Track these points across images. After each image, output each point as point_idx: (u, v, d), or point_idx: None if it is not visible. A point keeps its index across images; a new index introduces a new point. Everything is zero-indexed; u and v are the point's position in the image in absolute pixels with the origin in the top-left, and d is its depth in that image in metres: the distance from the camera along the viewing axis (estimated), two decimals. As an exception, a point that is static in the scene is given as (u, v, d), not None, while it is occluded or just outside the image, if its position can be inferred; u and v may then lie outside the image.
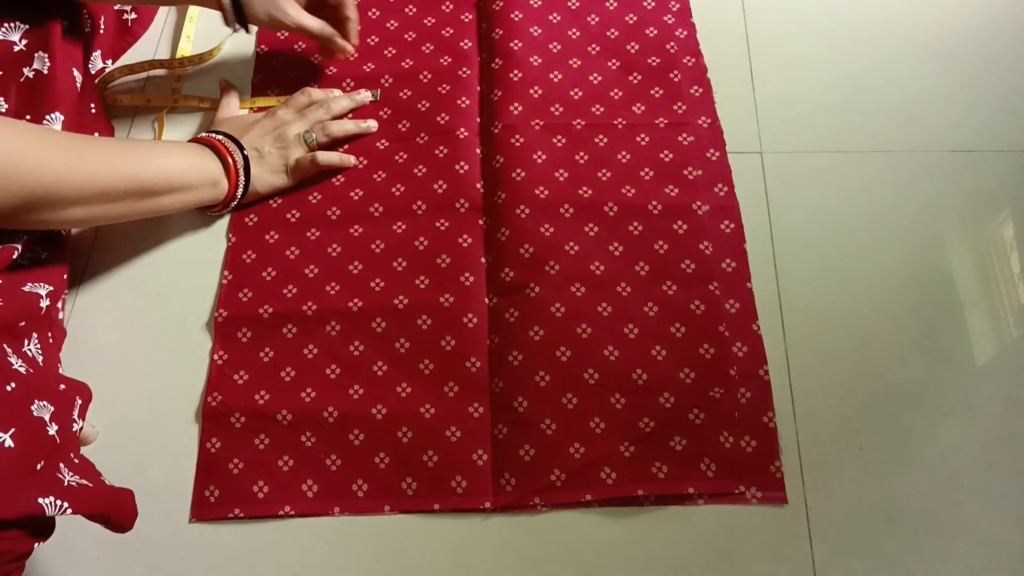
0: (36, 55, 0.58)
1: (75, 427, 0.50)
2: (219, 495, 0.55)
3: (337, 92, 0.69)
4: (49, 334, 0.55)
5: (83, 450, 0.54)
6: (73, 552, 0.54)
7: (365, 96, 0.69)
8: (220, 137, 0.62)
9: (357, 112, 0.69)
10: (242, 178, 0.62)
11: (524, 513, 0.54)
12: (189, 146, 0.60)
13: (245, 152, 0.62)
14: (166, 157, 0.57)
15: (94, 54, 0.68)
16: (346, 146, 0.68)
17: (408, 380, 0.58)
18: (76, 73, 0.60)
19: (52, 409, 0.47)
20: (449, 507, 0.54)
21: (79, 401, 0.52)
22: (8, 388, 0.44)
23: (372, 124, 0.68)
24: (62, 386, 0.51)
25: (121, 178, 0.53)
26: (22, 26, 0.58)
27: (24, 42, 0.58)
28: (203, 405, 0.58)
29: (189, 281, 0.62)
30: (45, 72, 0.58)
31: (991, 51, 0.69)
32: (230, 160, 0.61)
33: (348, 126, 0.67)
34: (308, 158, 0.64)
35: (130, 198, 0.54)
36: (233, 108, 0.68)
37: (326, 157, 0.65)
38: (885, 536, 0.53)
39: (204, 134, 0.63)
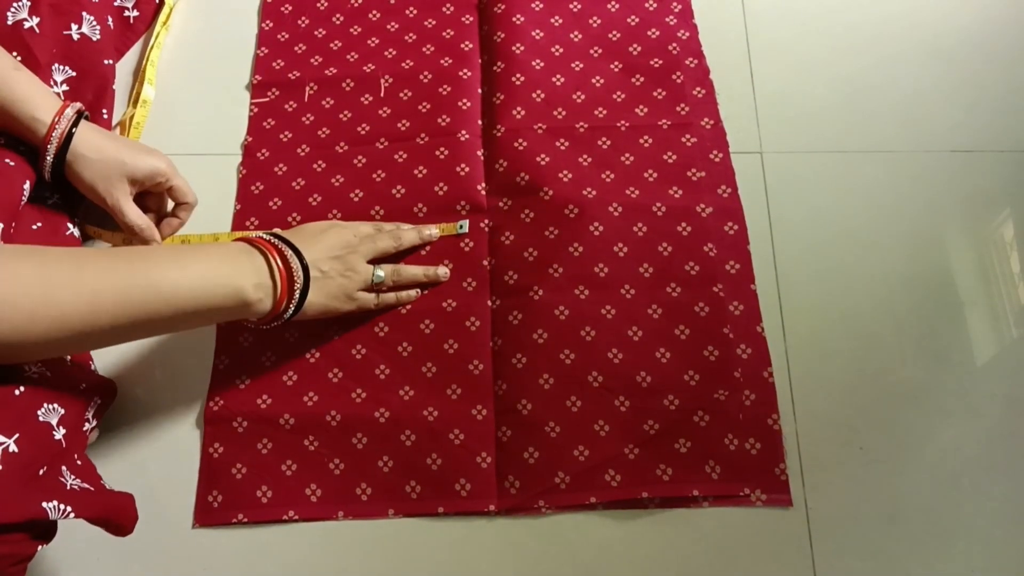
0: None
1: (86, 427, 0.50)
2: (222, 500, 0.55)
3: (406, 225, 0.62)
4: None
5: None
6: (74, 557, 0.54)
7: (432, 233, 0.62)
8: (282, 246, 0.51)
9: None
10: (295, 300, 0.51)
11: (528, 516, 0.54)
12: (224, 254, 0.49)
13: (307, 269, 0.51)
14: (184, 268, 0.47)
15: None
16: (345, 145, 0.67)
17: (411, 383, 0.58)
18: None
19: (62, 412, 0.46)
20: (453, 510, 0.54)
21: (98, 401, 0.52)
22: (16, 392, 0.44)
23: (444, 272, 0.61)
24: (83, 385, 0.50)
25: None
26: None
27: None
28: (205, 410, 0.58)
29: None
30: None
31: (991, 51, 0.70)
32: (278, 277, 0.50)
33: (417, 273, 0.60)
34: (372, 299, 0.58)
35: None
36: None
37: (386, 299, 0.59)
38: (885, 536, 0.53)
39: (262, 235, 0.52)
